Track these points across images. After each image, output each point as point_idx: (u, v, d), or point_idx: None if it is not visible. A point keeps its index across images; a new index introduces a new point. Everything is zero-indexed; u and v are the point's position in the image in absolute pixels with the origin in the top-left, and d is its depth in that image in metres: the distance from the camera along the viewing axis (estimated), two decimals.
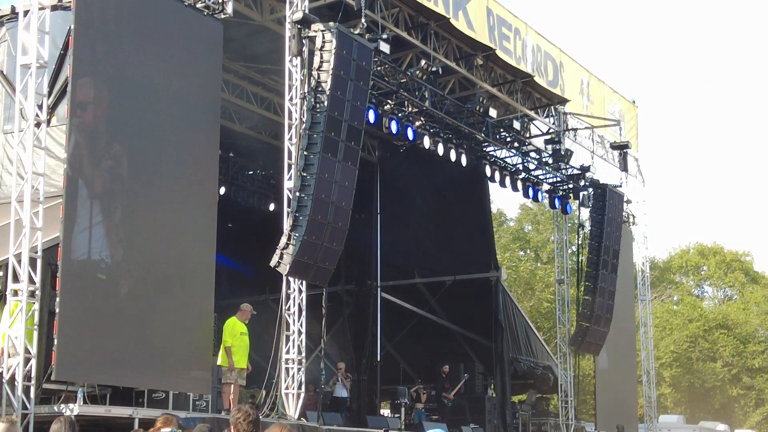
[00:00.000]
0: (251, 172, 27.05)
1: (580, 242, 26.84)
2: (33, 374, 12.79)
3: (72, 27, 13.58)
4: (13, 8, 15.63)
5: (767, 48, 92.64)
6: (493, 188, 26.24)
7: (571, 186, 24.80)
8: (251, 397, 19.01)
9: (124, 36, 14.32)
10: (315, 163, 15.59)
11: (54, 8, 14.06)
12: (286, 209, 16.02)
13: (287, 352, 16.06)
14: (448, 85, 22.04)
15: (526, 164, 23.93)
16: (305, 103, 15.99)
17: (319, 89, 15.78)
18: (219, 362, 16.29)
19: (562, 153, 23.95)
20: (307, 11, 16.22)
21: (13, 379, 12.74)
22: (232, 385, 16.19)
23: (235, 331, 16.27)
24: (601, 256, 24.29)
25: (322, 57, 15.85)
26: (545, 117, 24.88)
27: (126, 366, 13.82)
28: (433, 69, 19.47)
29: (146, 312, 14.19)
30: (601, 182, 24.92)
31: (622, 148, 26.35)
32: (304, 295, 16.20)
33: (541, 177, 24.44)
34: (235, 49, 19.55)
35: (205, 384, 15.22)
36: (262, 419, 14.51)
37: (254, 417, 7.03)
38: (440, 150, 21.09)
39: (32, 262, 13.11)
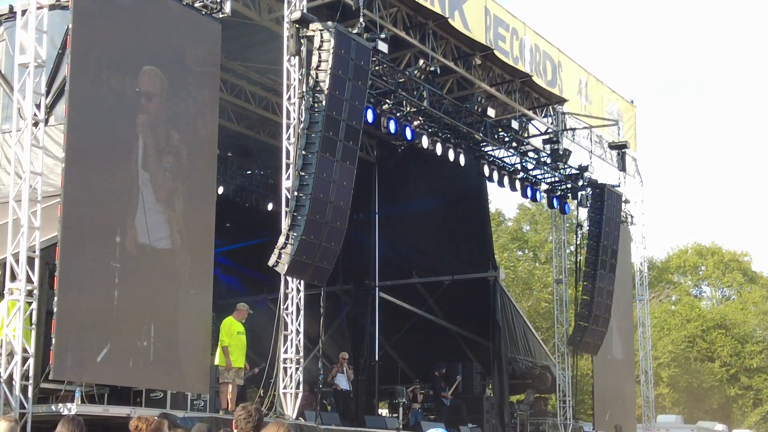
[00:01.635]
0: (249, 172, 27.06)
1: (578, 242, 26.84)
2: (31, 373, 12.79)
3: (70, 26, 13.57)
4: (11, 7, 15.62)
5: (765, 48, 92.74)
6: (492, 188, 26.28)
7: (569, 186, 24.79)
8: (259, 397, 18.96)
9: (122, 35, 14.31)
10: (313, 162, 15.59)
11: (52, 7, 14.04)
12: (284, 209, 16.02)
13: (285, 352, 16.05)
14: (446, 85, 22.03)
15: (524, 164, 23.90)
16: (303, 102, 15.99)
17: (318, 89, 15.78)
18: (216, 362, 16.30)
19: (561, 153, 23.95)
20: (305, 11, 16.21)
21: (11, 378, 12.74)
22: (230, 385, 16.21)
23: (232, 330, 16.29)
24: (599, 256, 24.29)
25: (320, 56, 15.84)
26: (543, 117, 24.89)
27: (124, 365, 13.81)
28: (432, 69, 19.47)
29: (144, 311, 14.18)
30: (599, 182, 24.93)
31: (620, 147, 26.39)
32: (302, 294, 16.20)
33: (539, 177, 24.42)
34: (234, 49, 19.54)
35: (203, 384, 15.21)
36: None
37: (256, 420, 6.90)
38: (438, 150, 21.08)
39: (30, 262, 13.11)
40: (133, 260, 14.08)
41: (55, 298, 12.93)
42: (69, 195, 13.23)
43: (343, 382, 21.24)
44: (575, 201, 25.25)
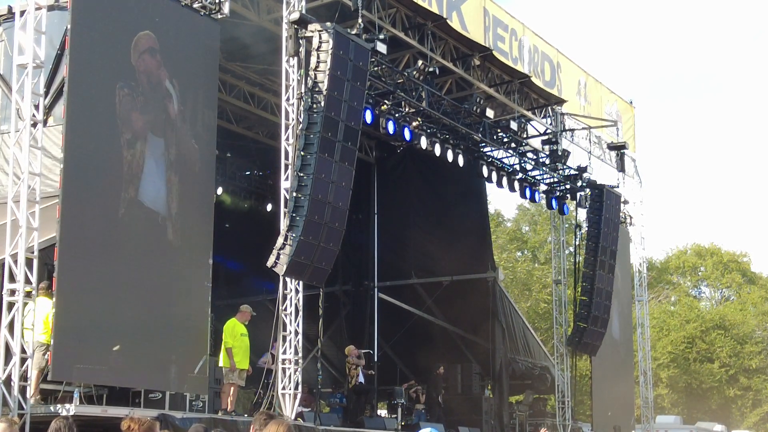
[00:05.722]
0: (248, 173, 27.07)
1: (577, 243, 26.85)
2: (29, 374, 12.77)
3: (69, 27, 13.57)
4: (9, 8, 15.63)
5: (765, 48, 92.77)
6: (491, 189, 26.35)
7: (568, 186, 24.80)
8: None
9: (121, 36, 14.31)
10: (312, 163, 15.59)
11: (51, 8, 14.06)
12: (283, 209, 16.02)
13: (284, 353, 16.04)
14: (445, 86, 22.03)
15: (523, 165, 23.92)
16: (302, 103, 15.99)
17: (316, 89, 15.77)
18: (220, 363, 16.31)
19: (560, 153, 23.95)
20: (303, 11, 16.21)
21: (9, 379, 12.73)
22: (233, 386, 16.22)
23: (236, 332, 16.30)
24: (598, 257, 24.30)
25: (318, 57, 15.84)
26: (542, 117, 24.89)
27: (122, 366, 13.80)
28: (430, 69, 19.47)
29: (142, 312, 14.18)
30: (598, 183, 24.94)
31: (619, 148, 26.38)
32: (300, 295, 16.19)
33: (538, 177, 24.43)
34: (232, 50, 19.54)
35: (202, 384, 15.20)
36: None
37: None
38: (437, 150, 21.08)
39: (29, 263, 13.10)
40: (132, 260, 14.08)
41: (54, 299, 12.93)
42: (68, 196, 13.23)
43: (361, 377, 21.19)
44: (574, 202, 25.26)
